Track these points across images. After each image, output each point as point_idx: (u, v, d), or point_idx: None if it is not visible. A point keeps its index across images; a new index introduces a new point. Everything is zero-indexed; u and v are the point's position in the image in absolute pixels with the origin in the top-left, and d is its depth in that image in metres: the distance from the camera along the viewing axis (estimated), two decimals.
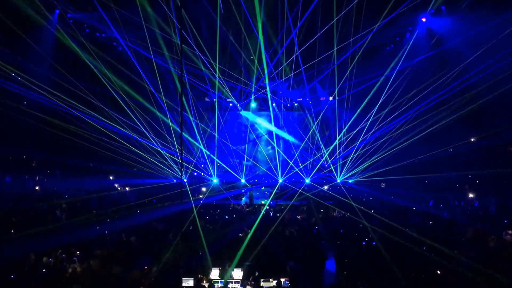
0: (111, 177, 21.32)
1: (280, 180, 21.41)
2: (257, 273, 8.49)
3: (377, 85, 17.37)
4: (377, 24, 15.32)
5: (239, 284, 8.12)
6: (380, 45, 18.89)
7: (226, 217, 15.23)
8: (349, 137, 19.82)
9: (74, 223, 12.17)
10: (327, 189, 19.32)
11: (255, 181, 22.45)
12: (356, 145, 19.55)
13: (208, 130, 20.75)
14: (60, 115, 16.70)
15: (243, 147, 22.32)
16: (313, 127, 20.32)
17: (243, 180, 21.77)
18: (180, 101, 14.87)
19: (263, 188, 22.16)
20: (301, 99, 23.46)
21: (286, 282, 8.06)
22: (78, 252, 9.35)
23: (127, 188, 20.51)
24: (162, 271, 8.41)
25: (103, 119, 17.37)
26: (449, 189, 19.10)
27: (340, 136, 19.54)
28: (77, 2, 15.91)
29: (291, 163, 21.34)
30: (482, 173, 18.10)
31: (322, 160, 21.14)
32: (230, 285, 8.08)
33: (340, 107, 19.67)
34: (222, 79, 19.28)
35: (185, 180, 20.50)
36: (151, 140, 18.96)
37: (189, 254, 9.00)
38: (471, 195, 17.05)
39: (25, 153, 19.03)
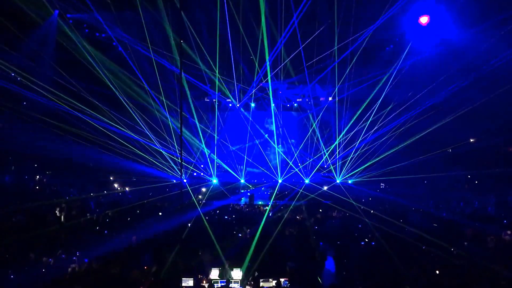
0: (111, 178, 21.33)
1: (280, 181, 21.43)
2: (256, 273, 8.50)
3: (379, 85, 17.38)
4: (376, 24, 15.34)
5: (239, 284, 8.13)
6: (379, 45, 18.89)
7: (226, 217, 15.25)
8: (348, 137, 19.83)
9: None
10: (327, 189, 19.36)
11: (254, 181, 22.45)
12: (355, 145, 19.57)
13: (208, 130, 20.76)
14: (59, 115, 16.70)
15: (241, 145, 22.33)
16: (314, 125, 20.32)
17: (242, 180, 21.78)
18: (180, 103, 14.90)
19: (262, 188, 22.18)
20: (300, 100, 23.47)
21: (286, 282, 8.07)
22: (78, 253, 9.37)
23: (126, 188, 20.53)
24: (162, 271, 8.43)
25: (103, 119, 17.36)
26: (448, 189, 19.14)
27: (340, 136, 19.55)
28: (77, 2, 15.91)
29: (290, 163, 21.35)
30: (481, 173, 18.13)
31: (322, 161, 21.16)
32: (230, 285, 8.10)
33: (340, 107, 19.69)
34: (221, 79, 19.28)
35: (185, 180, 20.51)
36: (151, 140, 18.97)
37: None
38: (470, 195, 17.10)
39: (25, 154, 19.01)
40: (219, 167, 21.95)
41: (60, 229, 11.81)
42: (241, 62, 19.08)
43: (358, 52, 16.92)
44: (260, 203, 19.68)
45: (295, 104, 23.59)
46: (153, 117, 18.91)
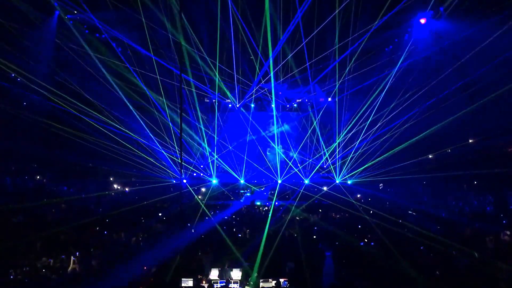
0: (111, 178, 21.33)
1: (279, 181, 21.45)
2: (256, 274, 8.52)
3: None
4: (375, 24, 15.35)
5: (238, 284, 8.15)
6: (379, 46, 18.91)
7: (226, 217, 15.27)
8: (347, 137, 19.86)
9: None
10: (327, 190, 19.39)
11: (254, 182, 22.47)
12: (355, 145, 19.59)
13: (209, 131, 20.77)
14: (59, 115, 16.71)
15: (238, 141, 22.37)
16: (314, 123, 20.35)
17: (242, 181, 21.80)
18: (180, 104, 14.91)
19: (262, 188, 22.20)
20: (300, 100, 23.50)
21: (285, 282, 8.09)
22: (77, 253, 9.39)
23: (126, 189, 20.54)
24: (161, 272, 8.45)
25: (104, 118, 17.37)
26: (447, 190, 19.16)
27: (341, 136, 19.58)
28: (77, 3, 15.92)
29: (290, 163, 21.38)
30: (480, 174, 18.14)
31: (322, 161, 21.17)
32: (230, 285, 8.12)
33: (339, 107, 19.71)
34: (221, 79, 19.30)
35: (185, 181, 20.52)
36: (150, 141, 18.98)
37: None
38: (469, 195, 17.13)
39: (25, 154, 19.02)
40: (218, 167, 21.97)
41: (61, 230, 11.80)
42: (241, 63, 19.09)
43: (357, 52, 16.95)
44: (258, 203, 19.72)
45: (295, 105, 23.61)
46: (153, 118, 18.92)
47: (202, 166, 22.18)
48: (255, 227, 12.46)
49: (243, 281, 8.29)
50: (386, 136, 18.48)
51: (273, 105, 22.80)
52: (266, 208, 18.03)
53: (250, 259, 9.09)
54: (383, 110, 18.13)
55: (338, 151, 20.15)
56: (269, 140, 22.35)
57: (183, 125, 19.81)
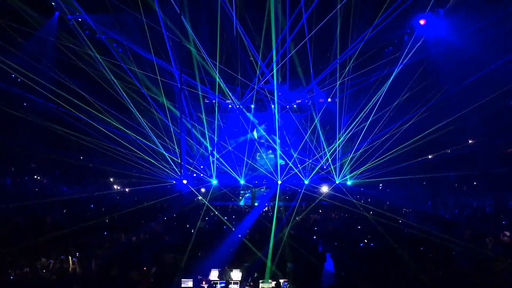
0: (111, 179, 21.35)
1: (279, 182, 21.46)
2: (256, 274, 8.53)
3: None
4: (376, 25, 15.38)
5: (238, 285, 8.15)
6: (378, 47, 18.93)
7: (225, 218, 15.28)
8: (346, 138, 19.87)
9: None
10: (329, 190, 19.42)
11: (255, 183, 22.47)
12: (355, 146, 19.60)
13: (209, 132, 20.77)
14: (60, 116, 16.73)
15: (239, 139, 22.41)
16: (314, 125, 20.36)
17: (242, 181, 21.80)
18: (180, 105, 14.93)
19: (262, 189, 22.22)
20: (300, 101, 23.52)
21: (285, 283, 8.09)
22: (77, 253, 9.40)
23: (126, 189, 20.56)
24: (161, 272, 8.46)
25: (105, 117, 17.38)
26: (447, 190, 19.18)
27: (341, 137, 19.59)
28: (77, 3, 15.94)
29: (290, 164, 21.39)
30: (480, 174, 18.17)
31: (322, 162, 21.17)
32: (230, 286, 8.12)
33: (339, 108, 19.73)
34: (222, 80, 19.31)
35: (185, 181, 20.51)
36: (151, 141, 18.99)
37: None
38: (469, 196, 17.15)
39: (25, 155, 19.04)
40: (218, 168, 21.97)
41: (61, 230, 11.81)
42: (241, 64, 19.09)
43: (357, 52, 16.97)
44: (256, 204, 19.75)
45: (294, 105, 23.63)
46: (153, 118, 18.94)
47: (202, 167, 22.19)
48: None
49: (243, 282, 8.30)
50: (385, 137, 18.50)
51: (273, 106, 22.84)
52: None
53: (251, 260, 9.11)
54: (383, 111, 18.16)
55: (338, 152, 20.17)
56: (270, 140, 22.35)
57: (183, 126, 19.82)
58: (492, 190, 16.93)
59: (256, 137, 22.52)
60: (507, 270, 8.26)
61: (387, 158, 18.42)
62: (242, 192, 22.13)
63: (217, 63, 17.46)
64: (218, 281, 8.17)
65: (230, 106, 22.98)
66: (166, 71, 18.01)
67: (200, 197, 17.60)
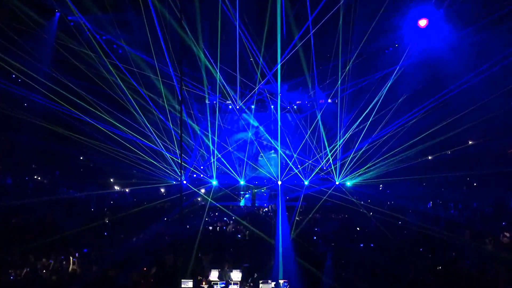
0: (111, 180, 21.33)
1: (280, 182, 21.47)
2: (256, 275, 8.54)
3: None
4: (375, 25, 15.41)
5: (238, 285, 8.16)
6: (378, 48, 18.95)
7: (225, 218, 15.29)
8: (346, 138, 19.88)
9: None
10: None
11: (255, 183, 22.48)
12: (355, 146, 19.61)
13: (209, 132, 20.78)
14: (60, 116, 16.75)
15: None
16: (315, 122, 20.39)
17: (242, 182, 21.81)
18: (180, 105, 14.93)
19: (263, 189, 22.22)
20: (300, 102, 23.55)
21: (285, 283, 8.09)
22: (77, 254, 9.41)
23: (126, 190, 20.54)
24: (161, 272, 8.46)
25: (105, 117, 17.40)
26: (447, 191, 19.18)
27: (343, 138, 19.60)
28: (78, 4, 15.96)
29: (290, 164, 21.40)
30: (480, 175, 18.17)
31: (322, 163, 21.18)
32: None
33: (340, 108, 19.74)
34: (222, 80, 19.32)
35: (185, 182, 20.52)
36: (151, 142, 18.99)
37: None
38: (468, 197, 17.16)
39: (25, 155, 19.05)
40: (218, 168, 21.98)
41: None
42: (242, 64, 19.09)
43: (356, 53, 16.99)
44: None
45: (295, 106, 23.66)
46: (153, 119, 18.95)
47: (202, 168, 22.20)
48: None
49: (243, 282, 8.30)
50: (385, 137, 18.52)
51: (272, 107, 22.88)
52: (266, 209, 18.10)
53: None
54: (383, 111, 18.18)
55: (338, 152, 20.18)
56: (272, 141, 22.37)
57: (184, 127, 19.84)
58: (492, 190, 16.93)
59: (251, 137, 22.57)
60: (506, 271, 8.27)
61: (387, 158, 18.45)
62: (242, 192, 22.13)
63: (218, 63, 17.49)
64: (218, 282, 8.18)
65: (230, 107, 23.01)
66: (166, 72, 18.04)
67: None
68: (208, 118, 20.24)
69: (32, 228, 11.73)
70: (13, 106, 15.99)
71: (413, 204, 16.93)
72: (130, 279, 8.08)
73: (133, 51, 17.24)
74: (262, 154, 23.16)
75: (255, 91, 20.63)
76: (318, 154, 21.23)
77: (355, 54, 17.12)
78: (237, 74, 18.93)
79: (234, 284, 8.16)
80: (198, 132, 20.75)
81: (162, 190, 19.98)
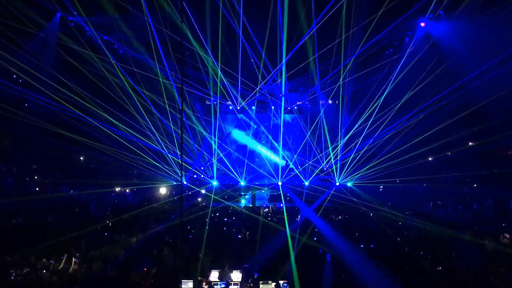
0: (112, 180, 21.35)
1: (280, 183, 21.47)
2: (256, 275, 8.55)
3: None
4: (375, 26, 15.41)
5: (238, 286, 8.17)
6: (379, 49, 18.96)
7: (225, 219, 15.29)
8: (346, 138, 19.88)
9: None
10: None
11: (255, 184, 22.47)
12: (355, 147, 19.61)
13: (209, 133, 20.80)
14: (61, 117, 16.77)
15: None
16: (315, 123, 20.39)
17: (242, 182, 21.82)
18: (181, 106, 14.92)
19: (263, 190, 22.21)
20: (300, 102, 23.56)
21: (285, 284, 8.10)
22: (77, 254, 9.42)
23: (127, 190, 20.56)
24: (161, 273, 8.48)
25: (106, 117, 17.42)
26: (447, 192, 19.18)
27: (344, 138, 19.60)
28: (78, 5, 16.00)
29: (291, 164, 21.41)
30: (480, 176, 18.17)
31: (323, 164, 21.17)
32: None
33: (340, 110, 19.75)
34: (222, 81, 19.34)
35: (185, 182, 20.53)
36: (152, 142, 19.00)
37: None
38: (469, 198, 17.15)
39: (25, 155, 19.08)
40: (219, 169, 21.98)
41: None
42: (242, 65, 19.11)
43: (356, 53, 16.99)
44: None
45: (295, 107, 23.67)
46: (154, 120, 18.96)
47: (202, 168, 22.20)
48: (255, 229, 12.49)
49: (243, 283, 8.32)
50: (385, 138, 18.52)
51: (273, 107, 22.90)
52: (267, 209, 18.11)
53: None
54: (382, 112, 18.18)
55: (339, 153, 20.17)
56: (274, 142, 22.38)
57: (184, 127, 19.85)
58: (492, 191, 16.94)
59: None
60: (506, 271, 8.28)
61: (387, 159, 18.45)
62: (242, 193, 22.12)
63: (219, 64, 17.50)
64: (218, 282, 8.19)
65: (230, 107, 23.03)
66: (167, 72, 18.06)
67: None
68: (205, 117, 20.19)
69: (33, 229, 11.76)
70: (14, 106, 16.01)
71: (413, 204, 16.94)
72: (131, 280, 8.09)
73: (133, 53, 17.26)
74: (262, 154, 23.12)
75: (256, 91, 20.64)
76: (319, 154, 21.24)
77: (355, 54, 17.12)
78: (238, 74, 18.94)
79: (234, 284, 8.17)
80: (198, 132, 20.76)
81: (164, 190, 19.99)
